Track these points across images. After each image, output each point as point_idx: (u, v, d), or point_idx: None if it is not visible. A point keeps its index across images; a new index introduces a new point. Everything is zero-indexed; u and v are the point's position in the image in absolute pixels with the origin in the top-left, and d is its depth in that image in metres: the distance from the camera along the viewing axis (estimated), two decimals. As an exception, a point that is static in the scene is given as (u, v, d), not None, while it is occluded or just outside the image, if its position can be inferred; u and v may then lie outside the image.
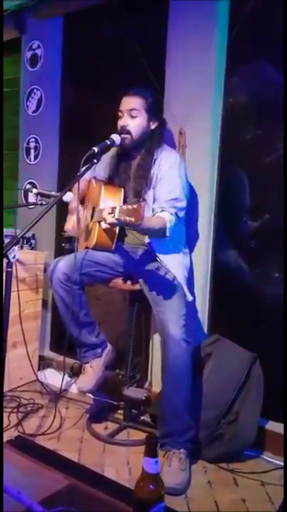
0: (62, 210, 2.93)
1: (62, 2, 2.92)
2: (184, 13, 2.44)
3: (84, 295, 2.27)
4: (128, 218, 1.71)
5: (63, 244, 2.45)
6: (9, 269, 1.77)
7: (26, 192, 3.25)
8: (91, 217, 2.34)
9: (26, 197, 3.27)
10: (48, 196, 2.08)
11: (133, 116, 2.19)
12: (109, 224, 1.81)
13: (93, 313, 2.34)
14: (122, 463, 2.13)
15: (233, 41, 2.32)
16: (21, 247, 3.02)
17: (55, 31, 3.08)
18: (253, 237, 2.37)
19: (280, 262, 2.21)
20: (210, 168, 2.41)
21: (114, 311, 2.77)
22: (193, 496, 1.91)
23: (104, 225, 1.85)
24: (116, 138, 2.12)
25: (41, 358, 3.06)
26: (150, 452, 1.20)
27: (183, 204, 2.14)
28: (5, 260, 1.75)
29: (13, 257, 1.76)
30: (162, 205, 2.11)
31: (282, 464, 2.12)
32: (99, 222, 1.99)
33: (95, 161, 2.00)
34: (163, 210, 2.10)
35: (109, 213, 1.78)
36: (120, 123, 2.20)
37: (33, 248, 3.11)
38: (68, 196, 2.08)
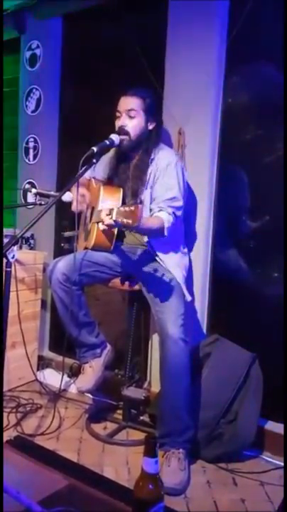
0: (62, 211, 2.93)
1: (61, 2, 2.91)
2: (184, 13, 2.44)
3: (83, 295, 2.27)
4: (125, 220, 1.71)
5: (62, 245, 2.45)
6: (8, 269, 1.77)
7: (25, 192, 3.25)
8: (91, 217, 2.34)
9: (25, 197, 3.27)
10: (47, 196, 2.08)
11: (131, 117, 2.19)
12: (107, 225, 1.81)
13: (92, 314, 2.33)
14: (121, 463, 2.13)
15: (233, 41, 2.32)
16: (20, 247, 3.02)
17: (54, 31, 3.08)
18: (253, 237, 2.37)
19: (280, 262, 2.21)
20: (210, 168, 2.41)
21: (113, 311, 2.77)
22: (192, 496, 1.91)
23: (101, 226, 1.85)
24: (115, 138, 2.12)
25: (40, 358, 3.06)
26: (150, 452, 1.20)
27: (181, 203, 2.14)
28: (4, 260, 1.75)
29: (12, 257, 1.76)
30: (159, 205, 2.11)
31: (281, 463, 2.12)
32: (98, 223, 1.99)
33: (94, 161, 2.00)
34: (160, 210, 2.10)
35: (107, 215, 1.78)
36: (118, 123, 2.20)
37: (32, 248, 3.11)
38: (67, 196, 2.08)
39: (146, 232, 2.13)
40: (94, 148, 1.98)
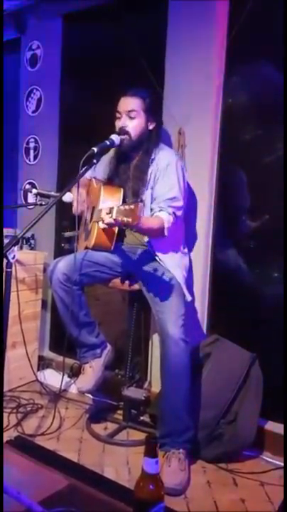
0: (62, 211, 2.94)
1: (62, 2, 2.91)
2: (184, 13, 2.44)
3: (83, 295, 2.27)
4: (125, 219, 1.71)
5: (63, 245, 2.45)
6: (9, 270, 1.77)
7: (26, 192, 3.25)
8: (91, 217, 2.34)
9: (26, 197, 3.27)
10: (48, 196, 2.08)
11: (131, 117, 2.19)
12: (107, 224, 1.81)
13: (92, 314, 2.34)
14: (122, 463, 2.13)
15: (233, 41, 2.32)
16: (21, 248, 3.02)
17: (54, 31, 3.08)
18: (253, 237, 2.37)
19: (280, 262, 2.22)
20: (210, 168, 2.41)
21: (113, 311, 2.77)
22: (192, 496, 1.91)
23: (101, 225, 1.85)
24: (115, 138, 2.12)
25: (41, 358, 3.06)
26: (150, 452, 1.20)
27: (181, 203, 2.15)
28: (4, 260, 1.75)
29: (13, 258, 1.76)
30: (160, 205, 2.11)
31: (281, 464, 2.12)
32: (98, 222, 1.99)
33: (95, 161, 2.00)
34: (161, 210, 2.10)
35: (107, 213, 1.78)
36: (119, 124, 2.20)
37: (32, 248, 3.11)
38: (68, 197, 2.08)
39: (146, 232, 2.13)
40: (95, 149, 1.98)
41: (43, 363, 3.08)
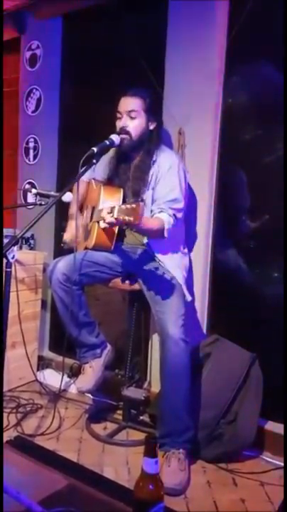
0: (62, 211, 2.93)
1: (61, 2, 2.91)
2: (184, 13, 2.44)
3: (83, 295, 2.27)
4: (127, 218, 1.71)
5: (62, 245, 2.45)
6: (8, 270, 1.77)
7: (25, 192, 3.24)
8: (91, 217, 2.34)
9: (25, 197, 3.27)
10: (47, 196, 2.08)
11: (132, 118, 2.19)
12: (108, 223, 1.81)
13: (92, 314, 2.33)
14: (121, 463, 2.13)
15: (232, 41, 2.32)
16: (20, 248, 3.02)
17: (54, 31, 3.07)
18: (253, 237, 2.37)
19: (280, 262, 2.21)
20: (210, 168, 2.41)
21: (113, 311, 2.77)
22: (192, 496, 1.91)
23: (102, 225, 1.84)
24: (115, 138, 2.12)
25: (40, 358, 3.06)
26: (150, 452, 1.19)
27: (181, 205, 2.15)
28: (4, 260, 1.75)
29: (12, 258, 1.76)
30: (160, 206, 2.11)
31: (281, 464, 2.12)
32: (98, 222, 1.99)
33: (94, 161, 2.00)
34: (161, 211, 2.10)
35: (108, 213, 1.78)
36: (119, 124, 2.20)
37: (32, 248, 3.11)
38: (67, 196, 2.08)
39: (147, 233, 2.13)
40: (94, 149, 1.98)
41: (43, 363, 3.08)
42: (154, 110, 2.25)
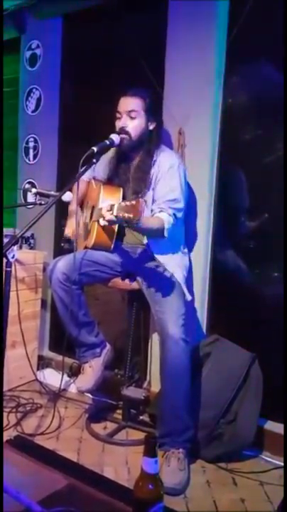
0: (62, 210, 2.93)
1: (61, 2, 2.91)
2: (183, 13, 2.44)
3: (83, 295, 2.27)
4: (127, 215, 1.70)
5: (62, 244, 2.45)
6: (8, 269, 1.77)
7: (25, 192, 3.25)
8: (91, 216, 2.34)
9: (25, 196, 3.27)
10: (47, 196, 2.08)
11: (132, 118, 2.18)
12: (108, 221, 1.80)
13: (92, 313, 2.34)
14: (121, 463, 2.13)
15: (232, 41, 2.32)
16: (20, 247, 3.02)
17: (54, 31, 3.07)
18: (252, 237, 2.37)
19: (279, 262, 2.22)
20: (209, 168, 2.41)
21: (112, 311, 2.77)
22: (192, 496, 1.91)
23: (102, 222, 1.84)
24: (115, 138, 2.12)
25: (40, 357, 3.06)
26: (149, 452, 1.20)
27: (181, 205, 2.15)
28: (4, 260, 1.75)
29: (12, 257, 1.76)
30: (160, 206, 2.11)
31: (281, 463, 2.12)
32: (98, 221, 1.99)
33: (94, 160, 2.00)
34: (161, 211, 2.10)
35: (108, 210, 1.78)
36: (119, 124, 2.20)
37: (32, 248, 3.11)
38: (67, 196, 2.08)
39: (146, 232, 2.13)
40: (94, 148, 1.98)
41: (43, 363, 3.08)
42: (154, 110, 2.25)
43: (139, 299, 2.32)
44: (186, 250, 2.35)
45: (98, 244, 2.21)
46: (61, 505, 1.34)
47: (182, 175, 2.18)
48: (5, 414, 2.44)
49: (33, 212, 1.89)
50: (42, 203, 2.02)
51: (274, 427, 2.24)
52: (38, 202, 2.05)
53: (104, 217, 1.79)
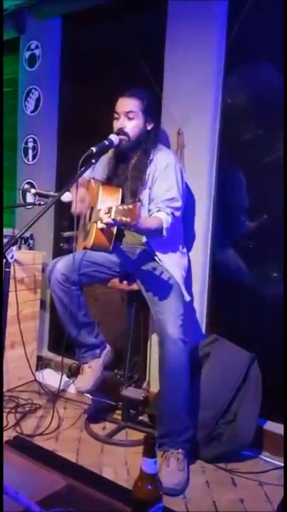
0: (61, 211, 2.93)
1: (61, 2, 2.91)
2: (183, 14, 2.44)
3: (82, 295, 2.27)
4: (124, 218, 1.71)
5: (61, 245, 2.45)
6: (7, 270, 1.77)
7: (24, 192, 3.24)
8: (90, 217, 2.34)
9: (24, 197, 3.27)
10: (46, 196, 2.08)
11: (130, 118, 2.18)
12: (105, 224, 1.81)
13: (91, 314, 2.33)
14: (120, 463, 2.13)
15: (232, 41, 2.32)
16: (19, 247, 3.01)
17: (53, 31, 3.07)
18: (252, 237, 2.37)
19: (279, 262, 2.22)
20: (209, 168, 2.41)
21: (112, 311, 2.77)
22: (191, 496, 1.91)
23: (100, 225, 1.85)
24: (114, 138, 2.12)
25: (39, 358, 3.06)
26: (149, 452, 1.20)
27: (179, 204, 2.15)
28: (3, 260, 1.75)
29: (11, 257, 1.76)
30: (158, 205, 2.11)
31: (280, 464, 2.12)
32: (96, 222, 1.99)
33: (93, 161, 2.00)
34: (159, 210, 2.10)
35: (106, 213, 1.78)
36: (117, 125, 2.20)
37: (31, 248, 3.11)
38: (66, 196, 2.08)
39: (145, 232, 2.13)
40: (94, 149, 1.98)
41: (42, 363, 3.07)
42: (152, 111, 2.25)
43: (139, 300, 2.32)
44: (185, 250, 2.35)
45: (97, 244, 2.21)
46: (60, 506, 1.35)
47: (179, 173, 2.18)
48: (4, 415, 2.43)
49: (32, 213, 1.89)
50: (42, 203, 2.03)
51: (274, 427, 2.24)
52: (37, 202, 2.06)
53: (102, 221, 1.80)
